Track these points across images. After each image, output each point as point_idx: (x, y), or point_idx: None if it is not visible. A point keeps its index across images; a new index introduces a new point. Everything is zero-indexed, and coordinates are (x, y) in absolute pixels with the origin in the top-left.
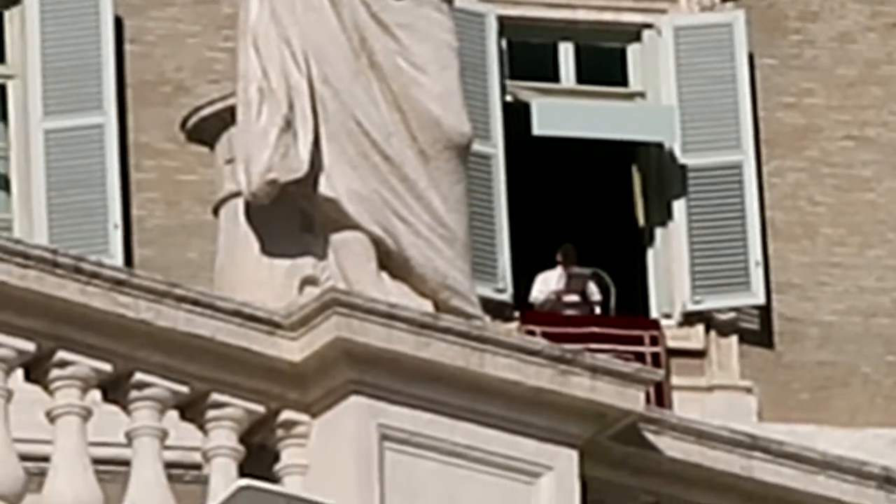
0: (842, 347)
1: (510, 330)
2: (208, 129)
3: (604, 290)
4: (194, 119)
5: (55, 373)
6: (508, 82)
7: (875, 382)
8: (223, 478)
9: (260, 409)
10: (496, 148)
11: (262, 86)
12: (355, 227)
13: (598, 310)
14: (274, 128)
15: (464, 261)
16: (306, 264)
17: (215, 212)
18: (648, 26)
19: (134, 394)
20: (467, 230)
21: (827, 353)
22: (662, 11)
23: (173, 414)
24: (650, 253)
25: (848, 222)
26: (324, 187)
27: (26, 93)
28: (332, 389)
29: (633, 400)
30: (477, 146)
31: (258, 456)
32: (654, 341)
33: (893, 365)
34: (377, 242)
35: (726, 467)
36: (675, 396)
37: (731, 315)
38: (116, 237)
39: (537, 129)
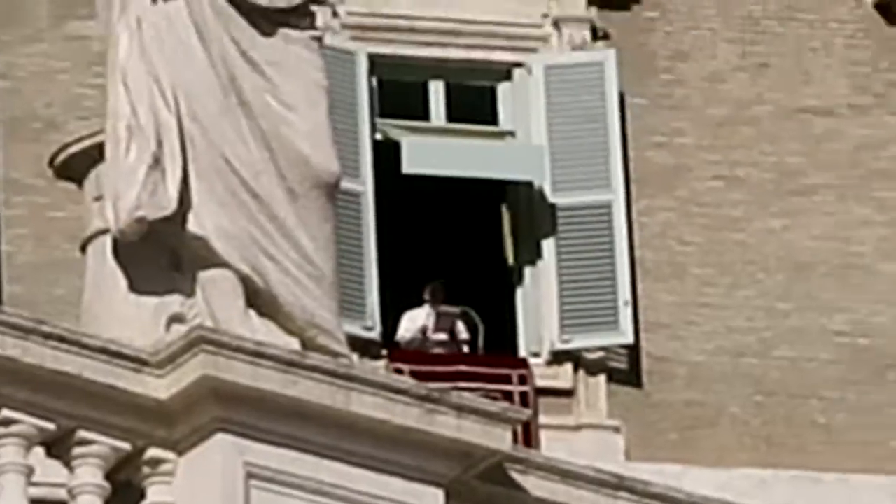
0: (710, 387)
1: (377, 368)
2: (77, 166)
3: (472, 328)
4: (63, 155)
5: None
6: (378, 120)
7: (743, 422)
8: None
9: (126, 446)
10: (365, 185)
11: (131, 123)
12: (223, 264)
13: (466, 348)
14: (142, 165)
15: (331, 299)
16: (174, 302)
17: (83, 249)
18: (519, 65)
19: (0, 430)
20: (335, 269)
21: (695, 393)
22: (533, 50)
23: (39, 450)
24: (519, 292)
25: (717, 262)
26: (192, 225)
27: None
28: (199, 427)
29: (500, 439)
30: (346, 184)
31: (124, 493)
32: (523, 380)
33: (761, 405)
34: (245, 280)
35: None
36: (543, 435)
37: (600, 354)
38: None
39: (407, 168)
